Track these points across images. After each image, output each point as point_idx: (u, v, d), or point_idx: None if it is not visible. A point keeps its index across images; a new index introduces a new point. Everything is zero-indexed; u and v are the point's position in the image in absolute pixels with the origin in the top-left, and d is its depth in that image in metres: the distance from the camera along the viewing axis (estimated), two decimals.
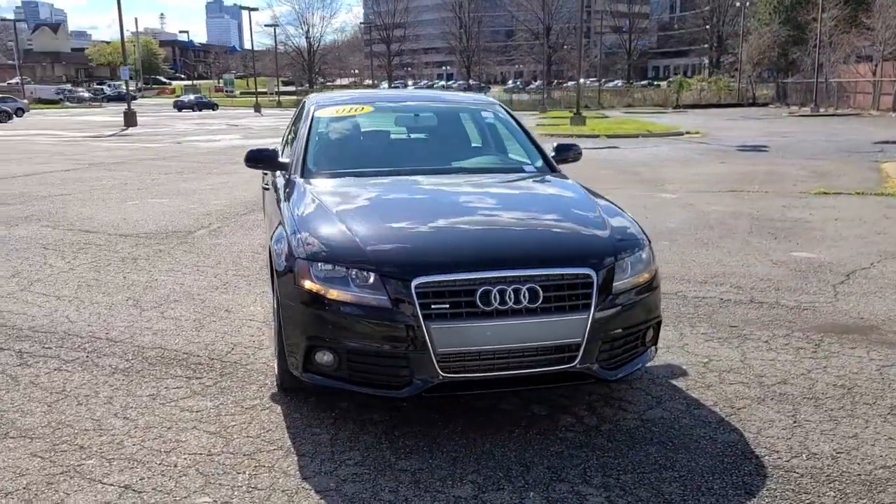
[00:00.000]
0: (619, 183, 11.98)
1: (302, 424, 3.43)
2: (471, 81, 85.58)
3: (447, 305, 3.04)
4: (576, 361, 3.18)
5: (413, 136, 5.08)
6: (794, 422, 3.45)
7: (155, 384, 3.90)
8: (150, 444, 3.24)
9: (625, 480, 2.94)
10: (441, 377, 3.08)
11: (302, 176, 4.30)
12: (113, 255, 6.95)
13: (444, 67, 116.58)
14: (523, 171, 4.60)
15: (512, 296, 3.06)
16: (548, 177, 4.48)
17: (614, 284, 3.28)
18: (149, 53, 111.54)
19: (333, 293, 3.14)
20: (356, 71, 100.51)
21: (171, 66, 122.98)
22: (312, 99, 5.28)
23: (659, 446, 3.22)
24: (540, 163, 4.67)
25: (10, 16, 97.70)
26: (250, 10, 59.34)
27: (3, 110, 40.08)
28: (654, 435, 3.32)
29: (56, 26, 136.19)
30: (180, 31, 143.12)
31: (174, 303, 5.35)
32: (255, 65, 66.93)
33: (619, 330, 3.32)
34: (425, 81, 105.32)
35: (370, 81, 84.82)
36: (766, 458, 3.13)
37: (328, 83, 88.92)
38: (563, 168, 4.74)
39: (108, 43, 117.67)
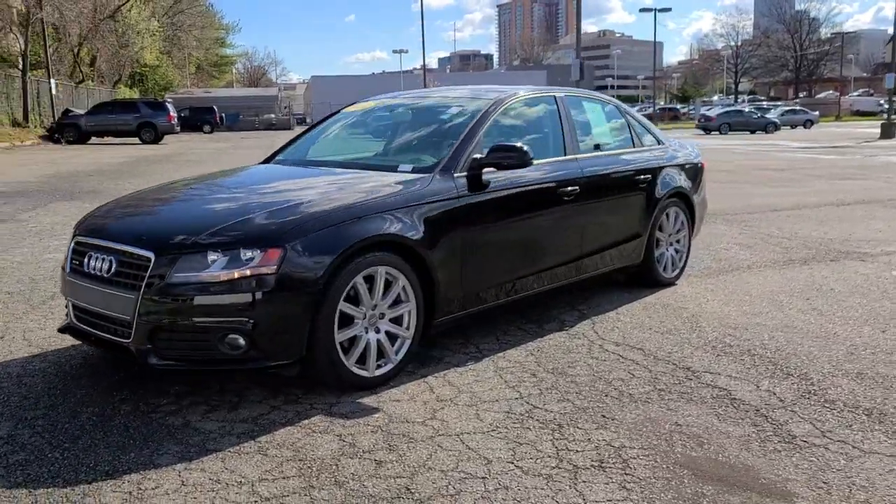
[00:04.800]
0: None
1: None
2: None
3: (77, 262, 3.71)
4: (130, 339, 3.34)
5: (374, 133, 5.04)
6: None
7: None
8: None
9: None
10: (69, 321, 3.78)
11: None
12: None
13: None
14: (395, 170, 4.12)
15: (98, 263, 3.51)
16: (395, 179, 3.96)
17: (180, 274, 3.23)
18: None
19: None
20: None
21: None
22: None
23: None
24: (432, 162, 4.14)
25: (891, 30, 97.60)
26: None
27: (778, 121, 42.32)
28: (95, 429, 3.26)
29: None
30: None
31: None
32: None
33: (175, 320, 3.26)
34: None
35: None
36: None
37: None
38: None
39: None
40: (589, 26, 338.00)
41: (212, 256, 3.25)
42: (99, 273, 3.46)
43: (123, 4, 41.04)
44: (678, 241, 5.72)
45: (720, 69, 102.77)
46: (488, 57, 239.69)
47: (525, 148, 4.05)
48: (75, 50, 39.65)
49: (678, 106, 69.07)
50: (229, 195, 4.03)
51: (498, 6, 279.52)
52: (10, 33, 32.92)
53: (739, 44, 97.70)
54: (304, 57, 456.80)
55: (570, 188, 4.57)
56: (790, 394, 3.52)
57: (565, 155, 4.73)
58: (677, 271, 5.71)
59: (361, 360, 3.56)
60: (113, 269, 3.41)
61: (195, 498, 2.62)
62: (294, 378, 3.56)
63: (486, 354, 4.11)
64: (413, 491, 2.66)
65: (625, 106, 5.68)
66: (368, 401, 3.47)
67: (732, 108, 48.90)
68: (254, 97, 63.17)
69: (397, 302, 3.68)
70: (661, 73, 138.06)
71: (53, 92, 32.57)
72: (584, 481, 2.73)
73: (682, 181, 5.63)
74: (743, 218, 9.18)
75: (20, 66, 30.65)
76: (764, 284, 5.67)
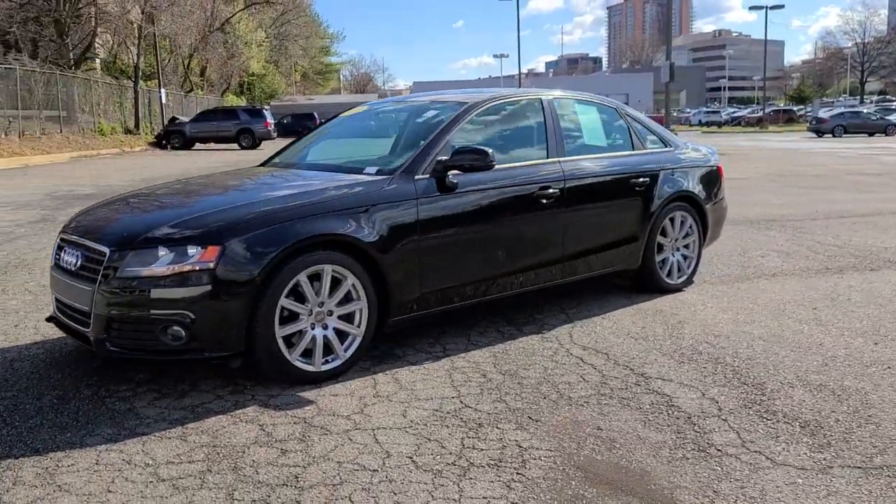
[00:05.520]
0: None
1: None
2: None
3: (58, 257, 4.02)
4: (89, 329, 3.61)
5: (362, 136, 5.17)
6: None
7: None
8: None
9: None
10: (52, 313, 4.11)
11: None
12: None
13: None
14: (361, 173, 4.24)
15: (69, 257, 3.80)
16: (355, 180, 4.08)
17: (130, 268, 3.45)
18: None
19: None
20: None
21: None
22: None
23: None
24: (397, 164, 4.23)
25: None
26: None
27: None
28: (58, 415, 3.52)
29: None
30: None
31: None
32: None
33: (125, 312, 3.48)
34: None
35: None
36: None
37: None
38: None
39: None
40: (706, 26, 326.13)
41: (161, 252, 3.46)
42: (69, 267, 3.76)
43: (232, 16, 43.10)
44: (686, 247, 5.56)
45: (844, 68, 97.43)
46: (597, 60, 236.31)
47: (488, 151, 4.08)
48: (186, 61, 41.96)
49: (794, 107, 65.74)
50: (195, 196, 4.25)
51: (608, 7, 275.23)
52: (128, 48, 35.22)
53: (867, 41, 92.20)
54: (413, 63, 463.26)
55: (550, 190, 4.55)
56: (733, 403, 3.41)
57: (548, 158, 4.71)
58: (684, 278, 5.55)
59: (307, 355, 3.69)
60: (79, 263, 3.69)
61: (100, 476, 2.81)
62: (245, 370, 3.74)
63: (448, 354, 4.15)
64: (300, 479, 2.77)
65: (626, 108, 5.57)
66: (309, 394, 3.59)
67: (849, 110, 46.22)
68: (354, 103, 64.58)
69: (348, 300, 3.79)
70: (781, 73, 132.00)
71: (163, 101, 34.56)
72: (471, 478, 2.76)
73: (689, 185, 5.47)
74: (802, 224, 8.77)
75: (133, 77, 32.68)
76: (778, 293, 5.44)
